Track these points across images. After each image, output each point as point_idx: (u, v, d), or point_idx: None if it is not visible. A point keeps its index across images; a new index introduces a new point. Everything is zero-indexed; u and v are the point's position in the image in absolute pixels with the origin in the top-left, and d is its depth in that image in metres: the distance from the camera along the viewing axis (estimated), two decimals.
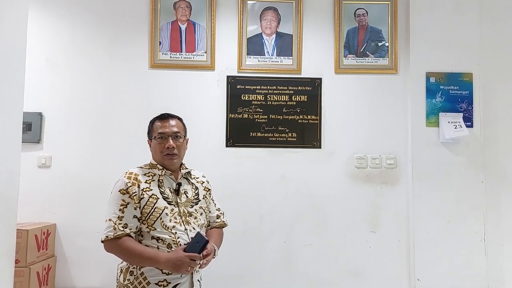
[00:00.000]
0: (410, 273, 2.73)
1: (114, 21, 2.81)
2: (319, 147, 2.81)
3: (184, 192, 1.75)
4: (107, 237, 1.58)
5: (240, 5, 2.83)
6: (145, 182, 1.67)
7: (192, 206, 1.73)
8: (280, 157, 2.81)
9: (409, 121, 2.80)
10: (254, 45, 2.84)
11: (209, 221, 1.84)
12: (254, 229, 2.75)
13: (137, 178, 1.66)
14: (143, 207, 1.62)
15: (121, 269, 1.67)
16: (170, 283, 1.60)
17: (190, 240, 1.61)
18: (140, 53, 2.80)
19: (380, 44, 2.88)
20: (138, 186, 1.64)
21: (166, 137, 1.73)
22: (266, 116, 2.82)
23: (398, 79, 2.86)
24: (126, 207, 1.60)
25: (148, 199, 1.63)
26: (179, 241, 1.62)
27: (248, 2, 2.85)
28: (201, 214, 1.77)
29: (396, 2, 2.88)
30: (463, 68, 2.80)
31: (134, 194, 1.62)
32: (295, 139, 2.81)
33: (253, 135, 2.81)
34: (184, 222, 1.67)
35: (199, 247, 1.56)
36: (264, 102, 2.82)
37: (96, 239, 2.66)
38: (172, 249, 1.60)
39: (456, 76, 2.79)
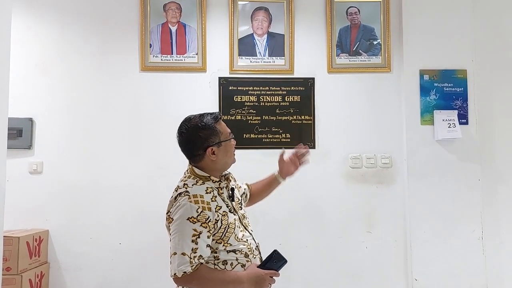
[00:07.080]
0: (407, 273, 2.70)
1: (104, 24, 2.78)
2: (313, 147, 2.78)
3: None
4: (184, 272, 1.39)
5: (231, 5, 2.80)
6: (212, 201, 1.48)
7: (241, 208, 1.65)
8: (274, 158, 2.72)
9: (404, 119, 2.77)
10: (246, 46, 2.81)
11: (246, 194, 1.87)
12: None
13: (203, 201, 1.45)
14: (219, 228, 1.47)
15: None
16: None
17: (268, 256, 1.53)
18: (131, 56, 2.78)
19: (374, 42, 2.86)
20: (209, 210, 1.44)
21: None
22: (259, 117, 2.79)
23: (391, 77, 2.84)
24: (198, 237, 1.41)
25: (222, 219, 1.48)
26: (251, 247, 1.56)
27: (239, 2, 2.82)
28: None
29: None
30: (457, 65, 2.77)
31: (207, 220, 1.43)
32: (288, 140, 2.78)
33: (247, 136, 2.78)
34: (245, 226, 1.60)
35: (277, 265, 1.52)
36: (257, 103, 2.80)
37: (89, 244, 2.70)
38: (249, 257, 1.53)
39: (450, 73, 2.76)
